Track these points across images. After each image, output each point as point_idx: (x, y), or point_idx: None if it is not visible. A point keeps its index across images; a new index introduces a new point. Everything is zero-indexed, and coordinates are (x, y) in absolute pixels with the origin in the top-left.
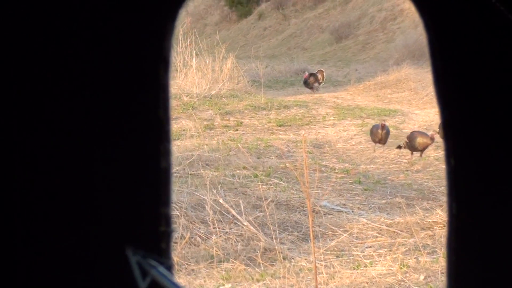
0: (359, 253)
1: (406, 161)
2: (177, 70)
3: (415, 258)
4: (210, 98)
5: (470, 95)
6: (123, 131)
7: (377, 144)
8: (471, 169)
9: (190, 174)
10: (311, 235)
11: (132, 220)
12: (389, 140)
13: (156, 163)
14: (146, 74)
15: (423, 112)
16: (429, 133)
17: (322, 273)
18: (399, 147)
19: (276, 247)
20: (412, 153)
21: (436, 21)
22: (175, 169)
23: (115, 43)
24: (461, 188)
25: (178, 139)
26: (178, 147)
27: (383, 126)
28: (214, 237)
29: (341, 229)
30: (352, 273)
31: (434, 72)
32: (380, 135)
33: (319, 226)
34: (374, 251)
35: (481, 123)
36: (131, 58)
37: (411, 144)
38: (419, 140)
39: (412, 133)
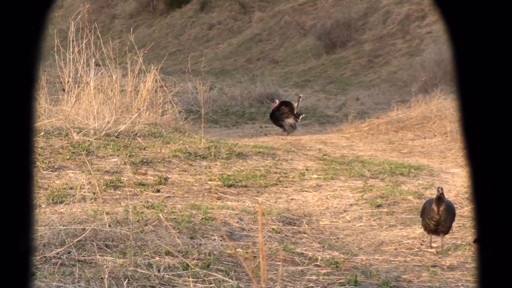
0: None
1: (433, 250)
2: (63, 90)
3: None
4: (116, 137)
5: None
6: None
7: (434, 236)
8: None
9: (79, 260)
10: None
11: None
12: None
13: (10, 244)
14: None
15: (464, 172)
16: None
17: None
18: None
19: None
20: None
21: (466, 31)
22: (53, 252)
23: None
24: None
25: (61, 202)
26: (61, 216)
27: (439, 199)
28: None
29: None
30: None
31: (460, 107)
32: (437, 214)
33: None
34: None
35: None
36: None
37: None
38: None
39: None
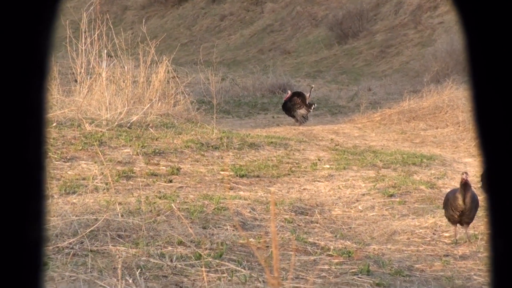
0: None
1: (447, 240)
2: (76, 81)
3: None
4: (129, 127)
5: None
6: None
7: (459, 227)
8: None
9: (92, 250)
10: None
11: None
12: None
13: (23, 234)
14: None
15: (476, 161)
16: None
17: None
18: None
19: None
20: None
21: (478, 20)
22: (66, 242)
23: None
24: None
25: (73, 192)
26: (74, 206)
27: (465, 185)
28: None
29: None
30: None
31: (473, 97)
32: (462, 203)
33: None
34: None
35: None
36: None
37: None
38: None
39: None
